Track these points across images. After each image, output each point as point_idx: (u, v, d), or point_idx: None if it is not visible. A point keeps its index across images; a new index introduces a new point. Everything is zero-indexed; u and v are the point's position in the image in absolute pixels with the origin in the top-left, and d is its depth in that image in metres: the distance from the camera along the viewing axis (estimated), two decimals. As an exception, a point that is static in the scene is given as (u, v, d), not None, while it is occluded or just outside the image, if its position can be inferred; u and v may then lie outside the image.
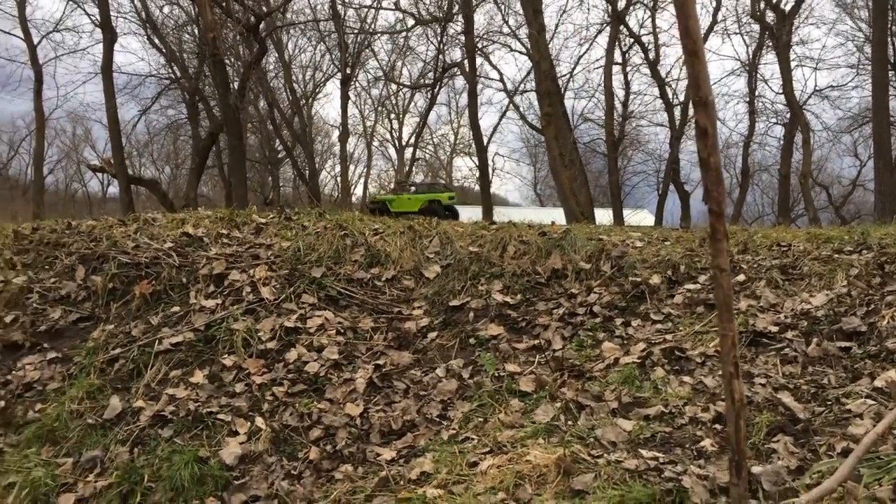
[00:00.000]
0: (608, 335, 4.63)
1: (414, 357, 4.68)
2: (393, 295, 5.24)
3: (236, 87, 18.81)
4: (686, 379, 3.96)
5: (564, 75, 24.82)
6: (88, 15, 23.65)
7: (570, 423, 3.62)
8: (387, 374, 4.55)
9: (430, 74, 27.33)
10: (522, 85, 27.33)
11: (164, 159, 42.93)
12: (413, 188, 13.30)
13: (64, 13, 40.95)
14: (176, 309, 5.21)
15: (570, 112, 23.70)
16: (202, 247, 5.69)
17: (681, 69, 24.53)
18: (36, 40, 25.68)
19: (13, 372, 5.12)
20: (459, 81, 31.39)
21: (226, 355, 4.79)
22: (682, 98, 24.29)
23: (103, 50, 19.09)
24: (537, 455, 3.09)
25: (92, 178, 48.93)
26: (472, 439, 3.66)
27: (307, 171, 27.73)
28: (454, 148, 43.42)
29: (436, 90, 27.75)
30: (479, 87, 24.27)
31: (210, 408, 4.39)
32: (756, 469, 2.88)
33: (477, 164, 26.22)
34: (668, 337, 4.44)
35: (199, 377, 4.65)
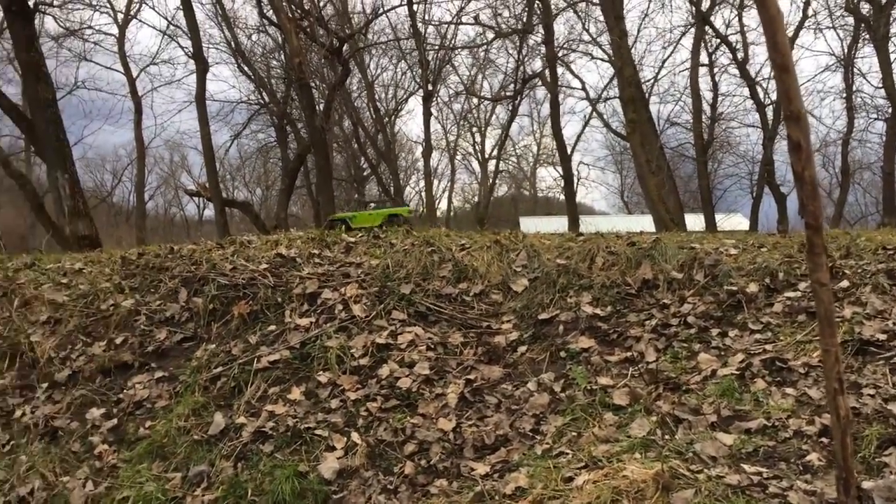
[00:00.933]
0: (704, 346, 4.52)
1: (504, 371, 4.69)
2: (481, 309, 5.26)
3: (322, 108, 19.34)
4: (789, 391, 3.82)
5: (648, 80, 24.46)
6: (182, 47, 24.93)
7: (667, 437, 3.55)
8: (478, 389, 4.57)
9: (511, 86, 27.39)
10: (605, 92, 27.09)
11: (255, 182, 44.51)
12: (373, 205, 13.92)
13: (160, 47, 43.27)
14: (272, 328, 5.38)
15: (656, 117, 23.25)
16: (295, 267, 5.87)
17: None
18: (135, 74, 27.14)
19: (124, 391, 5.41)
20: (541, 92, 31.36)
21: (321, 372, 4.91)
22: (773, 97, 23.47)
23: (197, 79, 20.03)
24: (634, 470, 3.04)
25: (189, 203, 51.18)
26: (567, 454, 3.63)
27: (392, 188, 28.19)
28: (537, 158, 43.30)
29: (517, 102, 27.82)
30: (561, 96, 24.20)
31: (308, 423, 4.52)
32: (867, 484, 2.75)
33: (561, 173, 26.07)
34: (769, 347, 4.29)
35: (296, 394, 4.79)
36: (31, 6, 15.90)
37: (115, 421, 5.19)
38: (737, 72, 24.05)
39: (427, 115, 24.97)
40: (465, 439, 4.18)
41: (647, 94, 21.02)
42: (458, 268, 5.57)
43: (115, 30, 28.09)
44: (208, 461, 4.47)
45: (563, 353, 4.69)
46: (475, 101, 34.05)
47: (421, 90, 25.67)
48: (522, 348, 4.85)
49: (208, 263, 6.12)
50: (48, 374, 5.79)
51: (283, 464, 4.23)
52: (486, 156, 39.88)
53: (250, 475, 4.23)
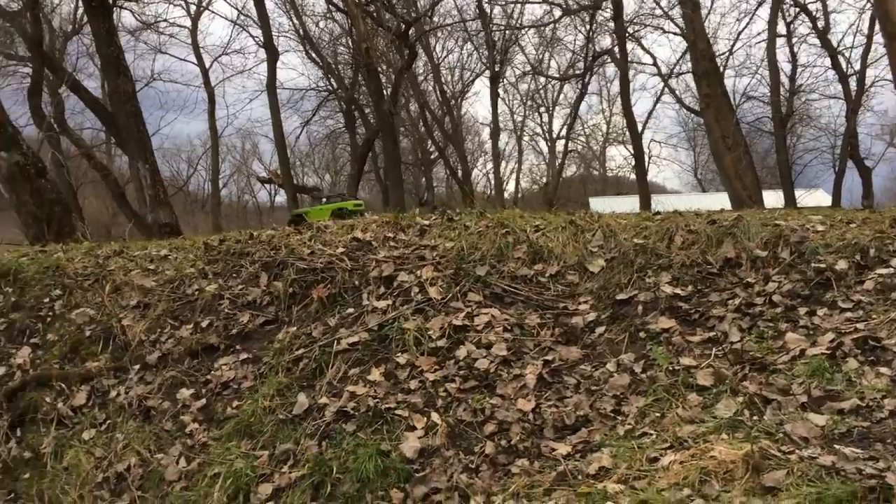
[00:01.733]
0: (791, 326, 4.39)
1: (582, 352, 4.66)
2: (557, 290, 5.24)
3: (389, 93, 19.47)
4: (883, 370, 3.69)
5: (723, 53, 23.72)
6: (253, 37, 25.49)
7: (755, 418, 3.47)
8: (556, 370, 4.56)
9: (580, 64, 26.98)
10: (678, 67, 26.38)
11: (324, 167, 45.21)
12: (325, 200, 14.07)
13: (231, 37, 44.21)
14: (350, 310, 5.48)
15: (731, 91, 22.53)
16: (371, 250, 5.96)
17: (854, 35, 22.65)
18: (207, 64, 27.84)
19: (212, 372, 5.61)
20: (610, 69, 30.82)
21: (399, 353, 4.98)
22: (856, 67, 22.45)
23: (267, 68, 20.45)
24: (722, 451, 2.99)
25: (261, 190, 52.35)
26: (650, 434, 3.59)
27: (460, 171, 28.21)
28: (607, 137, 42.61)
29: (586, 80, 27.36)
30: (632, 72, 23.73)
31: (388, 404, 4.59)
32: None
33: (632, 152, 25.59)
34: (860, 326, 4.14)
35: (375, 375, 4.87)
36: (110, 1, 16.45)
37: (203, 401, 5.39)
38: (817, 41, 23.07)
39: (494, 96, 24.88)
40: (544, 420, 4.18)
41: (721, 68, 20.36)
42: (533, 249, 5.55)
43: (188, 22, 28.89)
44: (293, 440, 4.60)
45: (642, 334, 4.63)
46: (542, 80, 33.71)
47: (487, 71, 25.56)
48: (600, 329, 4.81)
49: (287, 248, 6.27)
50: (139, 356, 6.04)
51: (366, 443, 4.32)
52: (554, 136, 39.48)
53: (334, 453, 4.34)
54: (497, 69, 24.83)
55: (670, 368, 4.22)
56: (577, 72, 27.28)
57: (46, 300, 7.13)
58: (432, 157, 31.09)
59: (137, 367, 5.96)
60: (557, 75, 31.56)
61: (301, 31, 24.69)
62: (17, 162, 12.19)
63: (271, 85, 20.10)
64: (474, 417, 4.35)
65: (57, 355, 6.43)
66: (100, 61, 23.08)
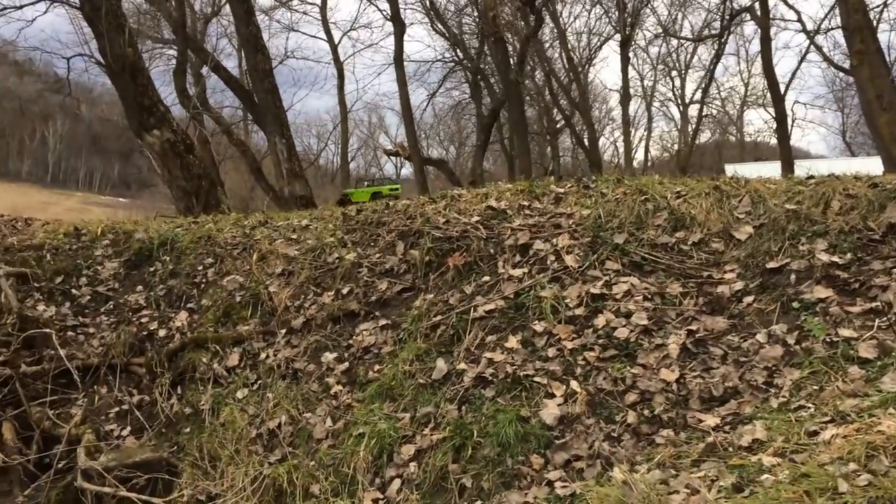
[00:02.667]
0: (965, 296, 4.04)
1: (729, 322, 4.48)
2: (701, 259, 5.05)
3: (515, 61, 19.29)
4: None
5: (877, 6, 21.84)
6: (380, 10, 25.86)
7: (926, 393, 3.23)
8: (701, 340, 4.42)
9: (716, 24, 25.67)
10: (826, 23, 24.55)
11: (449, 139, 45.54)
12: (367, 183, 14.25)
13: (359, 12, 45.14)
14: (486, 278, 5.52)
15: (886, 47, 20.76)
16: (506, 218, 5.96)
17: None
18: (336, 40, 28.54)
19: (353, 337, 5.82)
20: (749, 27, 29.15)
21: (536, 321, 4.98)
22: None
23: (395, 41, 20.70)
24: (892, 425, 2.81)
25: (387, 162, 53.45)
26: (807, 407, 3.43)
27: (586, 139, 27.65)
28: (745, 100, 40.40)
29: (723, 40, 25.96)
30: (773, 30, 22.31)
31: (526, 371, 4.61)
32: None
33: (773, 115, 24.14)
34: None
35: (513, 342, 4.90)
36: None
37: (346, 364, 5.61)
38: None
39: (624, 60, 24.16)
40: (689, 390, 4.07)
41: (875, 22, 18.81)
42: (675, 216, 5.37)
43: (318, -1, 29.71)
44: (434, 403, 4.72)
45: (795, 304, 4.39)
46: (675, 42, 32.37)
47: (617, 35, 24.81)
48: (748, 299, 4.60)
49: (422, 217, 6.37)
50: (285, 321, 6.35)
51: (505, 408, 4.36)
52: (687, 100, 37.88)
53: (474, 418, 4.42)
54: (627, 32, 24.03)
55: (827, 340, 3.99)
56: (713, 32, 25.98)
57: (200, 268, 7.62)
58: (558, 125, 30.64)
59: (284, 331, 6.28)
60: (691, 36, 30.21)
61: (427, 3, 24.86)
62: (169, 139, 13.01)
63: (398, 58, 20.39)
64: (615, 386, 4.30)
65: (211, 319, 6.87)
66: (238, 41, 24.19)
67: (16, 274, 8.19)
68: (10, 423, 7.06)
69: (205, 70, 24.34)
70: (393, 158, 44.70)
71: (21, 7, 14.31)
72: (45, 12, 14.47)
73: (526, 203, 6.11)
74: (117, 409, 6.72)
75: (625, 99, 24.64)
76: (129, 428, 6.48)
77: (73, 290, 8.08)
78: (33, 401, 7.06)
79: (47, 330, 7.43)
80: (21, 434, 6.95)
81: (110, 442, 6.36)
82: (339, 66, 28.91)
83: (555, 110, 28.56)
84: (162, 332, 7.10)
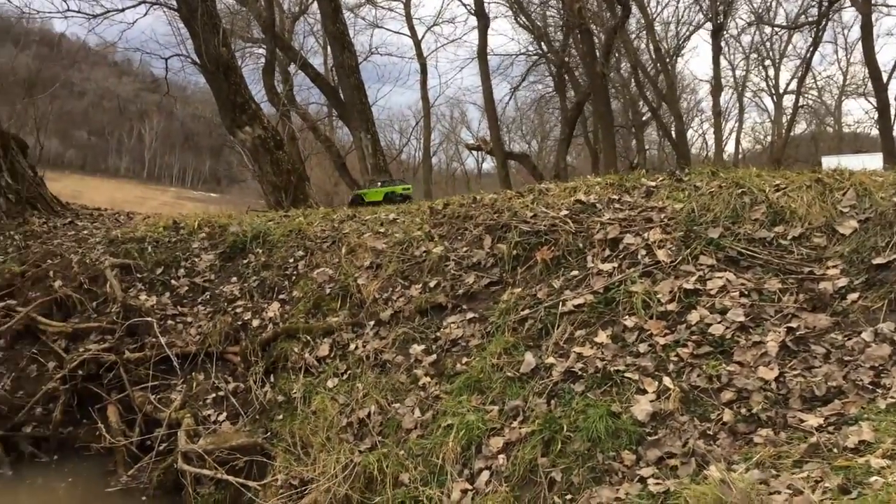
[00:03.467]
0: None
1: (832, 320, 4.31)
2: (801, 254, 4.87)
3: (600, 53, 18.98)
4: None
5: None
6: (464, 4, 25.83)
7: None
8: (801, 338, 4.26)
9: (813, 10, 24.59)
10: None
11: (531, 133, 45.21)
12: (379, 183, 14.09)
13: (442, 6, 45.30)
14: (575, 273, 5.48)
15: None
16: (595, 212, 5.89)
17: None
18: (420, 35, 28.75)
19: (441, 330, 5.87)
20: (848, 13, 27.82)
21: (626, 317, 4.90)
22: None
23: (478, 35, 20.70)
24: None
25: (468, 157, 53.50)
26: (919, 410, 3.27)
27: (674, 131, 26.96)
28: (843, 90, 38.56)
29: (820, 27, 24.84)
30: (875, 15, 21.19)
31: (617, 366, 4.55)
32: None
33: (874, 104, 22.97)
34: None
35: (602, 337, 4.84)
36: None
37: (434, 356, 5.67)
38: None
39: (716, 50, 23.43)
40: (790, 389, 3.94)
41: None
42: (773, 210, 5.19)
43: (403, -6, 29.97)
44: (522, 397, 4.71)
45: (904, 302, 4.19)
46: (769, 30, 31.14)
47: (708, 24, 24.08)
48: (853, 296, 4.41)
49: (509, 211, 6.37)
50: (374, 312, 6.47)
51: (596, 403, 4.32)
52: (781, 91, 36.43)
53: (563, 412, 4.39)
54: (720, 21, 23.26)
55: (942, 340, 3.79)
56: (810, 19, 24.89)
57: (291, 260, 7.84)
58: (644, 118, 29.98)
59: (372, 322, 6.39)
60: (787, 24, 29.02)
61: (511, -3, 24.74)
62: (260, 136, 13.43)
63: (482, 52, 20.38)
64: (709, 384, 4.20)
65: (302, 310, 7.05)
66: (325, 38, 24.69)
67: (120, 265, 8.62)
68: (114, 406, 7.46)
69: (292, 68, 24.95)
70: (475, 153, 44.73)
71: (123, 10, 15.03)
72: (145, 14, 15.16)
73: (616, 197, 6.02)
74: (214, 395, 6.98)
75: (716, 90, 23.88)
76: (225, 413, 6.73)
77: (173, 281, 8.44)
78: (136, 386, 7.44)
79: (149, 319, 7.81)
80: (124, 417, 7.34)
81: (208, 427, 6.62)
82: (422, 61, 29.09)
83: (641, 102, 27.95)
84: (255, 322, 7.33)
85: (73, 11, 15.28)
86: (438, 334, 5.85)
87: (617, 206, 5.90)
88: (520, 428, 4.50)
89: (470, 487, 4.40)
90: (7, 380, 7.75)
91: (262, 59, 23.75)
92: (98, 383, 7.59)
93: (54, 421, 7.52)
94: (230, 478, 5.69)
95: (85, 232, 9.94)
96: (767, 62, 36.15)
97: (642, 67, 26.30)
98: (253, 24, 26.14)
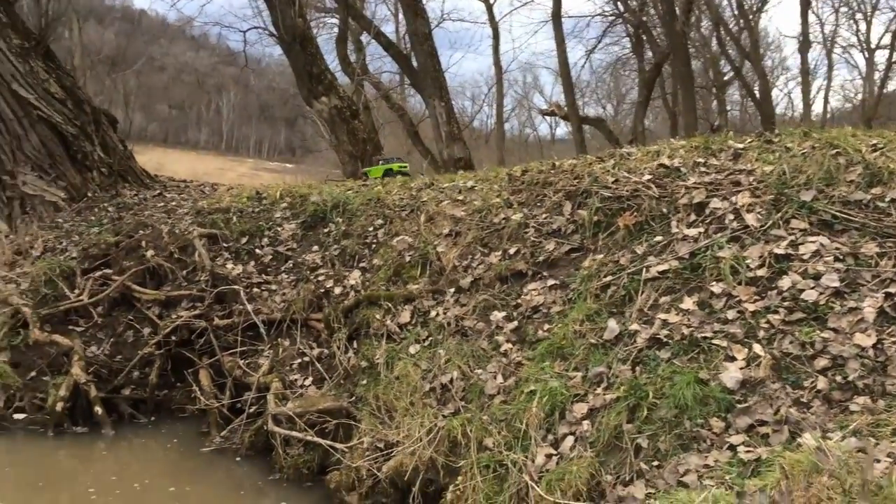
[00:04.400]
0: None
1: (936, 285, 4.12)
2: (901, 216, 4.65)
3: (680, 11, 18.33)
4: None
5: None
6: (537, -34, 25.20)
7: None
8: (901, 304, 4.09)
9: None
10: None
11: (605, 97, 44.20)
12: (381, 161, 13.87)
13: (515, -33, 44.54)
14: (659, 238, 5.38)
15: None
16: (680, 176, 5.76)
17: None
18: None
19: (521, 297, 5.88)
20: (947, -41, 26.02)
21: (713, 283, 4.80)
22: None
23: (553, -3, 20.23)
24: None
25: (542, 123, 52.84)
26: None
27: (758, 90, 25.89)
28: (944, 42, 36.16)
29: (915, -25, 23.36)
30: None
31: (703, 333, 4.47)
32: None
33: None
34: None
35: (688, 303, 4.76)
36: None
37: (515, 323, 5.69)
38: None
39: (804, 3, 22.25)
40: (888, 357, 3.80)
41: None
42: (870, 171, 4.96)
43: (473, -41, 29.61)
44: (606, 363, 4.69)
45: None
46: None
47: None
48: (958, 260, 4.20)
49: (590, 177, 6.28)
50: (454, 280, 6.52)
51: (682, 370, 4.27)
52: (873, 46, 34.47)
53: (649, 379, 4.35)
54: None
55: None
56: (905, -33, 23.41)
57: (371, 229, 7.96)
58: (726, 78, 28.87)
59: (452, 290, 6.45)
60: (878, -27, 27.36)
61: (585, -44, 24.07)
62: (336, 105, 13.59)
63: (556, 14, 19.94)
64: (802, 351, 4.09)
65: (383, 278, 7.17)
66: (397, 6, 24.66)
67: (207, 235, 8.93)
68: (206, 370, 7.80)
69: (365, 37, 25.01)
70: (548, 118, 44.11)
71: (202, -16, 15.33)
72: (224, -12, 15.40)
73: (701, 160, 5.86)
74: (299, 360, 7.21)
75: (804, 46, 22.78)
76: (310, 378, 6.95)
77: (257, 250, 8.70)
78: (225, 351, 7.74)
79: (236, 286, 8.09)
80: (215, 381, 7.66)
81: (294, 391, 6.85)
82: (494, 25, 28.72)
83: (723, 61, 26.90)
84: (337, 290, 7.50)
85: (156, -12, 15.62)
86: (519, 301, 5.85)
87: (703, 169, 5.75)
88: (604, 394, 4.49)
89: (554, 452, 4.43)
90: (106, 345, 8.18)
91: (335, 29, 23.89)
92: (190, 348, 7.95)
93: (151, 384, 7.92)
94: (319, 439, 5.89)
95: (173, 203, 10.31)
96: (858, 15, 34.17)
97: (724, 24, 25.20)
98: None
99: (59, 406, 7.33)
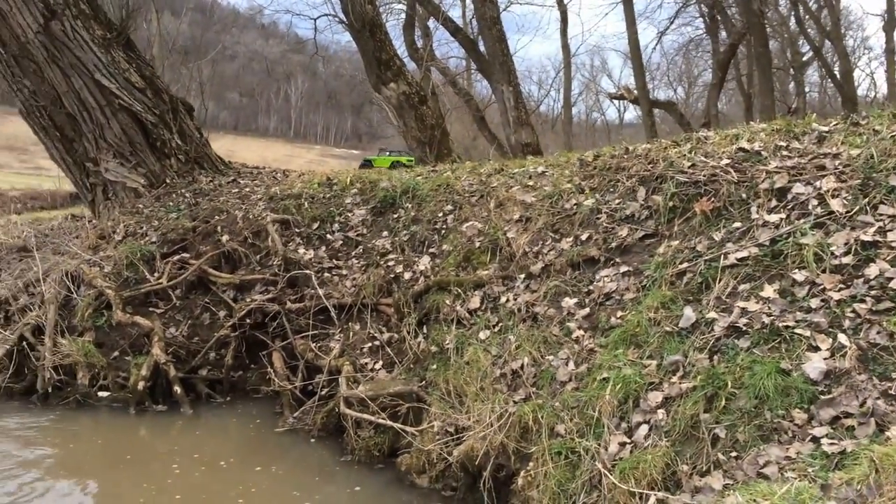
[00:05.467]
0: None
1: None
2: None
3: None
4: None
5: None
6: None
7: None
8: None
9: None
10: None
11: (676, 80, 43.22)
12: (388, 153, 13.25)
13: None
14: (737, 224, 5.23)
15: None
16: (760, 161, 5.58)
17: None
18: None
19: (593, 283, 5.81)
20: None
21: (796, 270, 4.64)
22: None
23: (624, -21, 19.83)
24: None
25: (609, 107, 52.04)
26: None
27: (838, 72, 24.91)
28: None
29: None
30: None
31: (785, 322, 4.34)
32: None
33: None
34: None
35: (769, 291, 4.62)
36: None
37: (587, 310, 5.63)
38: None
39: (887, -20, 21.26)
40: None
41: None
42: (969, 153, 4.72)
43: (541, -59, 29.25)
44: (682, 352, 4.60)
45: None
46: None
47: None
48: None
49: (665, 162, 6.15)
50: (524, 266, 6.49)
51: (762, 360, 4.15)
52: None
53: (727, 368, 4.25)
54: (891, -53, 21.12)
55: None
56: None
57: (440, 214, 7.98)
58: (804, 58, 27.85)
59: (523, 276, 6.42)
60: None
61: (656, -65, 23.52)
62: (404, 92, 13.63)
63: (627, -5, 19.58)
64: (890, 341, 3.92)
65: (452, 263, 7.19)
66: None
67: (280, 220, 9.11)
68: (279, 353, 7.99)
69: (432, 23, 25.01)
70: (616, 102, 43.40)
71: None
72: (295, -23, 15.61)
73: (783, 143, 5.66)
74: (370, 344, 7.31)
75: (889, 24, 21.71)
76: (381, 362, 7.04)
77: (328, 235, 8.84)
78: (297, 334, 7.90)
79: (307, 271, 8.24)
80: (288, 363, 7.84)
81: (365, 374, 6.95)
82: (562, 8, 28.34)
83: (801, 41, 25.95)
84: (407, 275, 7.56)
85: (231, -22, 15.91)
86: (591, 288, 5.79)
87: (785, 153, 5.55)
88: (680, 383, 4.41)
89: (628, 441, 4.38)
90: (184, 327, 8.46)
91: (402, 15, 23.97)
92: (263, 331, 8.15)
93: (226, 365, 8.17)
94: (390, 422, 5.97)
95: (247, 189, 10.53)
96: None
97: (803, 2, 24.31)
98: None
99: (141, 385, 7.63)
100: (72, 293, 8.67)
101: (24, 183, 34.67)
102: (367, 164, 12.06)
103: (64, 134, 11.04)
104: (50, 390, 7.84)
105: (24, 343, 8.19)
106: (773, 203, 5.17)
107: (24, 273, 9.48)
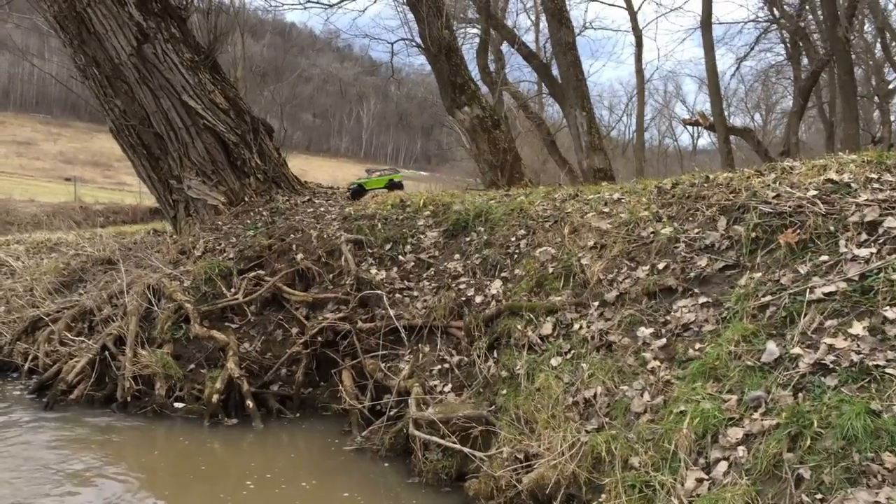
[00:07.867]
0: None
1: None
2: None
3: (842, 15, 17.23)
4: None
5: None
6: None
7: None
8: None
9: None
10: None
11: (753, 107, 42.22)
12: (377, 174, 12.79)
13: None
14: (824, 258, 5.06)
15: None
16: (850, 193, 5.40)
17: None
18: (637, 6, 27.74)
19: (670, 313, 5.70)
20: None
21: (887, 307, 4.46)
22: None
23: (703, 2, 19.48)
24: None
25: (682, 133, 51.20)
26: None
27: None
28: None
29: None
30: None
31: (876, 360, 4.16)
32: None
33: None
34: None
35: (858, 328, 4.45)
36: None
37: (664, 340, 5.52)
38: None
39: (980, 6, 20.36)
40: None
41: None
42: None
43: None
44: (764, 388, 4.46)
45: None
46: None
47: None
48: None
49: (748, 191, 6.01)
50: (598, 293, 6.41)
51: (851, 399, 3.99)
52: None
53: (813, 406, 4.10)
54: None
55: None
56: None
57: (513, 239, 7.97)
58: (890, 86, 26.86)
59: (597, 303, 6.34)
60: None
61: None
62: (478, 115, 13.73)
63: (706, 21, 19.20)
64: None
65: (524, 288, 7.16)
66: (537, 15, 24.62)
67: (353, 240, 9.26)
68: (348, 371, 8.07)
69: (504, 47, 25.15)
70: (690, 128, 42.66)
71: (355, -1, 15.95)
72: (375, 2, 15.99)
73: (874, 175, 5.47)
74: (439, 366, 7.32)
75: (981, 51, 20.80)
76: (450, 385, 7.04)
77: (400, 257, 8.93)
78: (367, 354, 7.98)
79: (379, 291, 8.33)
80: (357, 382, 7.91)
81: (434, 396, 6.96)
82: (637, 33, 28.09)
83: (887, 67, 25.06)
84: (478, 299, 7.57)
85: (313, 2, 16.43)
86: (668, 318, 5.68)
87: (876, 185, 5.36)
88: (762, 420, 4.27)
89: (706, 477, 4.26)
90: (258, 342, 8.64)
91: (476, 40, 24.17)
92: (334, 349, 8.25)
93: (297, 382, 8.29)
94: (459, 446, 5.94)
95: (321, 209, 10.75)
96: None
97: (891, 29, 23.48)
98: (468, 5, 26.63)
99: (215, 398, 7.82)
100: (152, 306, 8.97)
101: (108, 197, 36.18)
102: (358, 190, 11.82)
103: (150, 152, 11.50)
104: (129, 399, 8.10)
105: (107, 352, 8.51)
106: (863, 237, 4.99)
107: (108, 285, 9.87)
